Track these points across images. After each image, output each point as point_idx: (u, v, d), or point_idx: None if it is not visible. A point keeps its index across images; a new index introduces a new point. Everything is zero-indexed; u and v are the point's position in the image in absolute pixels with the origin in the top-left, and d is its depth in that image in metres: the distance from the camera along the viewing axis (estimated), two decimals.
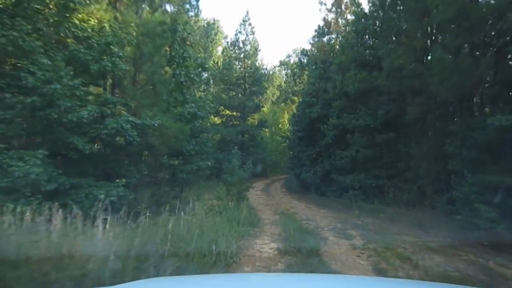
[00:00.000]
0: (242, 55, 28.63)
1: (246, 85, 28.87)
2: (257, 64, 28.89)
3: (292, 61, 41.09)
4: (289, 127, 24.66)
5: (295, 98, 31.36)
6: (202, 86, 25.21)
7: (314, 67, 20.26)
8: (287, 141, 22.38)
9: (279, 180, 25.59)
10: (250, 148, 26.93)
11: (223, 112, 28.51)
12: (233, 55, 28.65)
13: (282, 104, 38.67)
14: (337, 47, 18.19)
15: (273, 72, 43.96)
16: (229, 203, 10.12)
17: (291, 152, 22.07)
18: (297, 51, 37.48)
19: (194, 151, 11.72)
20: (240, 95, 28.85)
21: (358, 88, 12.96)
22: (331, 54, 18.19)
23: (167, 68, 10.19)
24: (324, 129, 16.33)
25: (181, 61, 10.88)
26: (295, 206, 14.05)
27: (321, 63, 18.23)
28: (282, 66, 45.19)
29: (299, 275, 3.48)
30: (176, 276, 3.72)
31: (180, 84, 11.06)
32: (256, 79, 28.84)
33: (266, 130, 34.37)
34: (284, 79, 43.84)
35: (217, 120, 29.05)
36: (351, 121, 13.63)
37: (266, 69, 29.89)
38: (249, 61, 28.54)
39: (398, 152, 12.90)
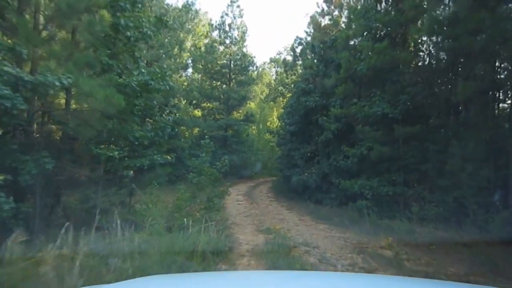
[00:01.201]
0: (228, 41, 25.23)
1: (231, 74, 25.48)
2: (244, 51, 25.49)
3: (283, 58, 38.03)
4: (280, 123, 21.24)
5: (286, 92, 27.98)
6: (180, 72, 21.76)
7: (309, 56, 17.03)
8: (276, 136, 18.90)
9: (266, 183, 22.19)
10: (233, 145, 23.57)
11: (204, 105, 25.03)
12: (218, 39, 25.19)
13: (271, 102, 35.52)
14: (342, 22, 14.98)
15: (263, 69, 41.22)
16: (186, 218, 6.73)
17: (281, 151, 18.75)
18: (287, 49, 34.52)
19: (147, 139, 8.26)
20: (224, 85, 25.43)
21: (374, 65, 9.72)
22: (334, 32, 14.98)
23: (103, 12, 6.72)
24: (323, 122, 13.08)
25: (128, 6, 7.43)
26: (285, 218, 10.72)
27: (320, 43, 14.97)
28: (272, 63, 42.19)
29: (300, 273, 3.32)
30: (174, 274, 3.62)
31: (127, 40, 7.62)
32: (243, 68, 25.47)
33: (253, 127, 31.03)
34: (274, 77, 40.82)
35: (198, 112, 25.59)
36: (363, 109, 10.35)
37: (254, 57, 26.43)
38: (236, 47, 25.14)
39: (424, 150, 9.70)
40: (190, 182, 8.68)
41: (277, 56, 40.12)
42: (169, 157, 8.83)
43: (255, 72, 31.49)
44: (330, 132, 12.55)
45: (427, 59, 9.56)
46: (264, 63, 41.68)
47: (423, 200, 9.55)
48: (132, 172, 7.94)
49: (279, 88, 34.39)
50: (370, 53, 9.72)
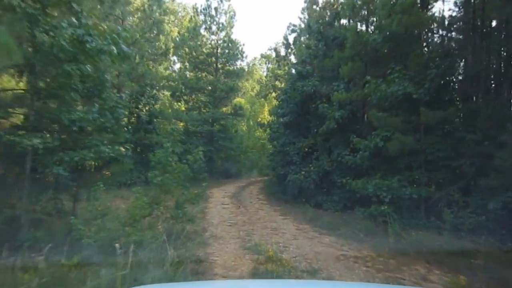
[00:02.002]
0: (214, 27, 22.91)
1: (218, 64, 23.20)
2: (232, 38, 23.15)
3: (275, 48, 35.75)
4: (272, 118, 18.81)
5: (279, 84, 25.71)
6: (159, 58, 19.32)
7: (304, 45, 14.87)
8: (268, 130, 16.56)
9: (257, 183, 19.97)
10: (220, 141, 21.25)
11: (188, 97, 22.63)
12: (203, 25, 22.83)
13: (262, 99, 33.29)
14: None
15: (253, 64, 39.16)
16: (139, 234, 4.49)
17: (273, 147, 16.53)
18: (279, 44, 32.41)
19: (89, 123, 5.96)
20: (211, 76, 23.12)
21: (394, 31, 7.59)
22: (334, 6, 12.82)
23: None
24: (324, 110, 10.90)
25: None
26: (280, 227, 8.53)
27: (319, 19, 12.79)
28: (263, 59, 39.98)
29: (297, 282, 3.31)
30: (170, 283, 3.38)
31: None
32: (231, 56, 23.19)
33: (243, 123, 28.80)
34: (265, 73, 38.65)
35: (182, 107, 23.17)
36: (378, 88, 8.13)
37: (243, 45, 24.17)
38: (223, 34, 22.83)
39: (456, 141, 7.61)
40: (151, 183, 6.42)
41: (268, 52, 38.13)
42: (123, 149, 6.53)
43: (245, 65, 29.34)
44: (333, 121, 10.37)
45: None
46: (255, 58, 39.56)
47: (455, 205, 7.45)
48: (64, 168, 5.58)
49: (270, 84, 32.32)
50: (390, 15, 7.54)
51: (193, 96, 22.79)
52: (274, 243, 6.55)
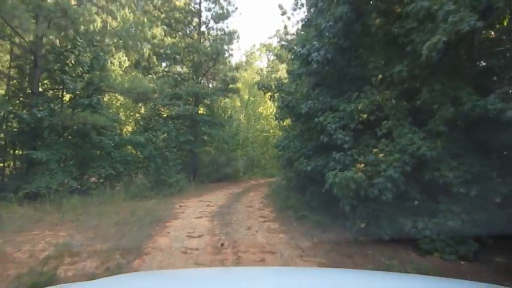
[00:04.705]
0: None
1: (200, 26, 16.64)
2: None
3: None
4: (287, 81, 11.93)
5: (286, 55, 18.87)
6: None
7: None
8: (279, 95, 9.23)
9: (259, 189, 13.31)
10: (204, 128, 14.55)
11: (159, 68, 16.01)
12: None
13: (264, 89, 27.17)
14: None
15: (253, 52, 34.09)
16: None
17: (286, 131, 9.92)
18: (280, 32, 26.94)
19: None
20: (191, 39, 16.52)
21: None
22: None
23: None
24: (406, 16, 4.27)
25: None
26: None
27: None
28: (263, 48, 34.36)
29: (291, 269, 3.35)
30: (159, 270, 3.71)
31: None
32: (220, 13, 16.62)
33: (241, 115, 22.31)
34: (265, 65, 33.34)
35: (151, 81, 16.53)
36: None
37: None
38: None
39: None
40: None
41: (268, 41, 32.43)
42: None
43: (243, 49, 22.91)
44: (464, 21, 3.72)
45: None
46: (254, 45, 34.44)
47: None
48: None
49: (272, 75, 26.22)
50: None
51: (167, 67, 16.20)
52: None
